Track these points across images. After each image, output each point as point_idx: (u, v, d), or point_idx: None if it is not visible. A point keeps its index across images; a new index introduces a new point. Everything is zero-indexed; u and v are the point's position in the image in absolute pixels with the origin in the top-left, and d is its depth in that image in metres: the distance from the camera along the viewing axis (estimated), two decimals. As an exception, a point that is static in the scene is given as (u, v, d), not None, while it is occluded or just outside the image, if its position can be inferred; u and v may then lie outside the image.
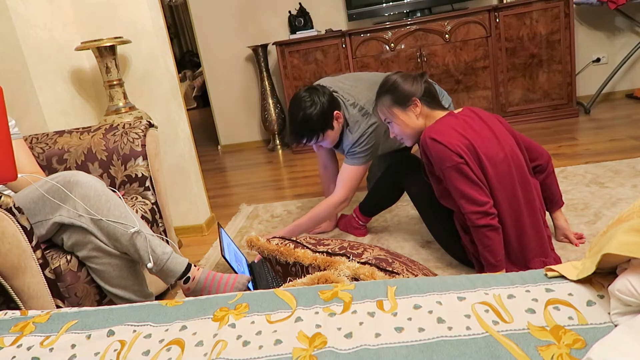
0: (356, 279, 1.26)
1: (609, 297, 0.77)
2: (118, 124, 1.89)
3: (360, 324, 0.81)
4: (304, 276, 1.25)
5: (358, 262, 1.35)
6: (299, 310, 0.87)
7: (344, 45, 3.78)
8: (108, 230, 1.39)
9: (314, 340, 0.78)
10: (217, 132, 4.59)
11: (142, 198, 1.78)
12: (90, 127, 1.92)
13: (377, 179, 2.05)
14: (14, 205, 1.24)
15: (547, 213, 1.77)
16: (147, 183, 1.80)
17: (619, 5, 3.47)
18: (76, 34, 2.28)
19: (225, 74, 4.39)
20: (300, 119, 1.90)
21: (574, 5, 3.60)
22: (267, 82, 4.17)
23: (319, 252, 1.47)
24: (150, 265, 1.40)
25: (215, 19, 4.24)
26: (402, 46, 3.74)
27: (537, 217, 1.57)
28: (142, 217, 1.66)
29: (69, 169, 1.83)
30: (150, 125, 1.88)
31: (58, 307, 1.31)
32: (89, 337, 0.89)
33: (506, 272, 1.19)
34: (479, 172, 1.49)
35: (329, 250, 1.47)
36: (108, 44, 2.11)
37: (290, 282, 1.25)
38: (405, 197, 2.10)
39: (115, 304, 1.23)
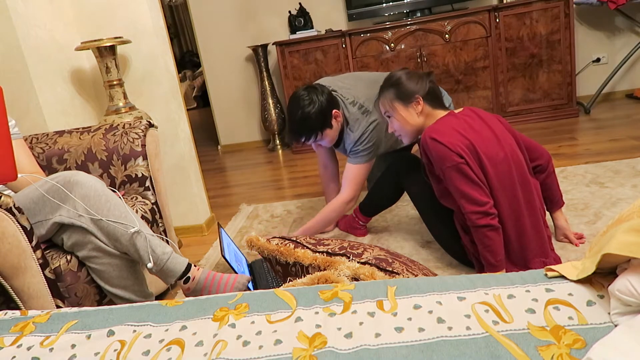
0: (356, 279, 1.26)
1: (609, 297, 0.77)
2: (118, 124, 1.89)
3: (360, 324, 0.81)
4: (304, 276, 1.25)
5: (358, 262, 1.35)
6: (299, 310, 0.87)
7: (344, 45, 3.78)
8: (108, 230, 1.39)
9: (314, 340, 0.78)
10: (217, 132, 4.59)
11: (142, 198, 1.78)
12: (90, 127, 1.92)
13: (377, 179, 2.05)
14: (14, 205, 1.24)
15: (548, 213, 1.77)
16: (147, 183, 1.80)
17: (619, 5, 3.47)
18: (76, 34, 2.28)
19: (225, 74, 4.39)
20: (299, 118, 1.91)
21: (574, 5, 3.60)
22: (267, 82, 4.17)
23: (319, 252, 1.47)
24: (150, 265, 1.40)
25: (215, 19, 4.24)
26: (402, 46, 3.74)
27: (537, 217, 1.57)
28: (142, 217, 1.66)
29: (69, 169, 1.83)
30: (150, 125, 1.88)
31: (58, 307, 1.31)
32: (89, 337, 0.89)
33: (506, 272, 1.19)
34: (479, 172, 1.49)
35: (329, 250, 1.47)
36: (108, 44, 2.11)
37: (290, 282, 1.25)
38: (405, 197, 2.10)
39: (115, 304, 1.23)
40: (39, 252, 1.28)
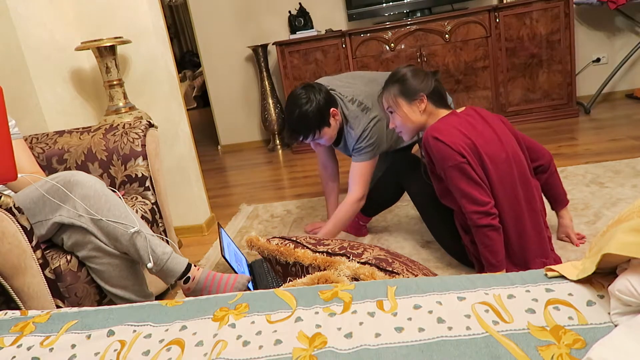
0: (356, 279, 1.25)
1: (609, 297, 0.77)
2: (118, 124, 1.89)
3: (360, 324, 0.81)
4: (304, 276, 1.25)
5: (358, 262, 1.35)
6: (299, 310, 0.87)
7: (344, 45, 3.78)
8: (108, 230, 1.39)
9: (314, 340, 0.78)
10: (217, 132, 4.59)
11: (142, 198, 1.78)
12: (90, 127, 1.92)
13: (377, 179, 2.05)
14: (14, 205, 1.24)
15: (552, 213, 1.77)
16: (147, 183, 1.80)
17: (619, 5, 3.47)
18: (76, 34, 2.28)
19: (225, 74, 4.39)
20: (297, 116, 1.91)
21: (574, 5, 3.60)
22: (267, 82, 4.17)
23: (319, 252, 1.47)
24: (150, 265, 1.40)
25: (215, 19, 4.24)
26: (402, 46, 3.74)
27: (538, 217, 1.57)
28: (142, 217, 1.66)
29: (69, 169, 1.83)
30: (150, 125, 1.88)
31: (58, 307, 1.31)
32: (89, 337, 0.89)
33: (506, 272, 1.19)
34: (481, 171, 1.49)
35: (329, 250, 1.47)
36: (108, 44, 2.11)
37: (290, 282, 1.25)
38: (405, 197, 2.10)
39: (115, 304, 1.23)
40: (39, 252, 1.28)
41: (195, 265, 1.48)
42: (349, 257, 1.40)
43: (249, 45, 4.16)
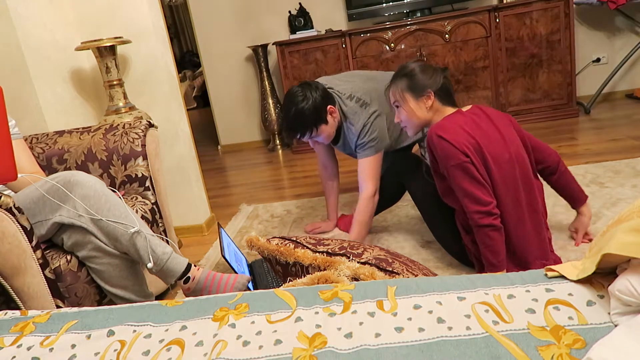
0: (356, 279, 1.25)
1: (609, 297, 0.77)
2: (118, 124, 1.89)
3: (360, 324, 0.81)
4: (304, 276, 1.25)
5: (358, 262, 1.35)
6: (299, 310, 0.87)
7: (344, 45, 3.78)
8: (108, 230, 1.39)
9: (314, 340, 0.78)
10: (217, 132, 4.59)
11: (142, 198, 1.78)
12: (90, 127, 1.92)
13: (377, 178, 2.05)
14: (14, 205, 1.24)
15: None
16: (147, 183, 1.80)
17: (619, 5, 3.47)
18: (76, 34, 2.28)
19: (225, 74, 4.39)
20: (293, 114, 1.91)
21: (574, 5, 3.60)
22: (267, 82, 4.17)
23: (319, 252, 1.47)
24: (150, 265, 1.40)
25: (215, 19, 4.24)
26: (402, 46, 3.74)
27: (539, 218, 1.56)
28: (142, 217, 1.66)
29: (69, 169, 1.83)
30: (150, 125, 1.88)
31: (58, 307, 1.31)
32: (89, 337, 0.89)
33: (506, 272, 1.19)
34: (484, 171, 1.48)
35: (329, 250, 1.47)
36: (108, 44, 2.11)
37: (290, 282, 1.25)
38: (405, 197, 2.10)
39: (115, 304, 1.23)
40: (39, 252, 1.28)
41: (195, 265, 1.48)
42: (349, 257, 1.40)
43: (249, 45, 4.16)
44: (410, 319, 0.80)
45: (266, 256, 1.61)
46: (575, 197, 1.75)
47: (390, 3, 3.82)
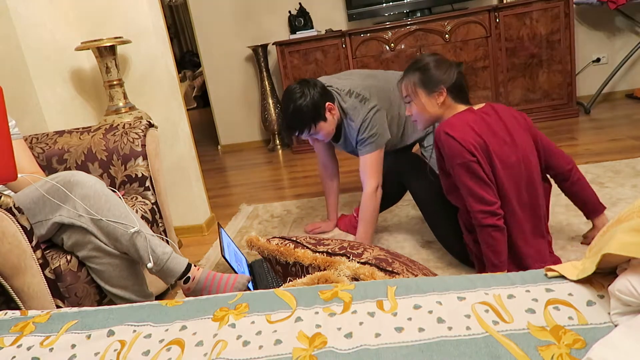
0: (356, 279, 1.26)
1: (609, 297, 0.77)
2: (118, 124, 1.89)
3: (360, 324, 0.81)
4: (304, 276, 1.25)
5: (358, 262, 1.35)
6: (299, 310, 0.87)
7: (344, 45, 3.78)
8: (108, 230, 1.39)
9: (314, 340, 0.78)
10: (217, 132, 4.59)
11: (142, 198, 1.78)
12: (90, 127, 1.92)
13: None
14: (14, 205, 1.24)
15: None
16: (147, 183, 1.80)
17: (619, 5, 3.47)
18: (76, 34, 2.28)
19: (225, 74, 4.39)
20: (291, 111, 1.90)
21: (574, 5, 3.60)
22: (267, 82, 4.17)
23: (319, 252, 1.47)
24: (150, 265, 1.40)
25: (215, 19, 4.24)
26: (402, 46, 3.74)
27: (539, 223, 1.56)
28: (142, 217, 1.66)
29: (69, 169, 1.83)
30: (150, 125, 1.88)
31: (58, 307, 1.31)
32: (89, 337, 0.89)
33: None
34: (490, 171, 1.47)
35: (329, 250, 1.47)
36: (108, 44, 2.11)
37: (290, 282, 1.25)
38: (405, 196, 2.10)
39: (115, 304, 1.23)
40: (39, 252, 1.28)
41: (195, 265, 1.48)
42: (349, 257, 1.40)
43: (249, 45, 4.16)
44: (410, 319, 0.80)
45: (266, 256, 1.61)
46: (589, 207, 1.69)
47: (390, 3, 3.82)
